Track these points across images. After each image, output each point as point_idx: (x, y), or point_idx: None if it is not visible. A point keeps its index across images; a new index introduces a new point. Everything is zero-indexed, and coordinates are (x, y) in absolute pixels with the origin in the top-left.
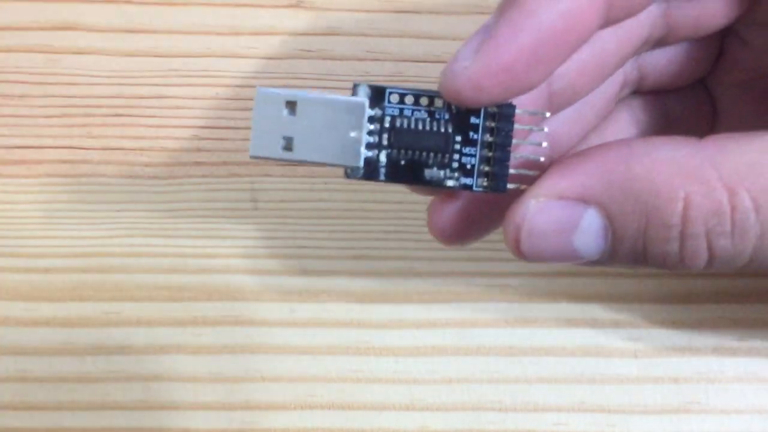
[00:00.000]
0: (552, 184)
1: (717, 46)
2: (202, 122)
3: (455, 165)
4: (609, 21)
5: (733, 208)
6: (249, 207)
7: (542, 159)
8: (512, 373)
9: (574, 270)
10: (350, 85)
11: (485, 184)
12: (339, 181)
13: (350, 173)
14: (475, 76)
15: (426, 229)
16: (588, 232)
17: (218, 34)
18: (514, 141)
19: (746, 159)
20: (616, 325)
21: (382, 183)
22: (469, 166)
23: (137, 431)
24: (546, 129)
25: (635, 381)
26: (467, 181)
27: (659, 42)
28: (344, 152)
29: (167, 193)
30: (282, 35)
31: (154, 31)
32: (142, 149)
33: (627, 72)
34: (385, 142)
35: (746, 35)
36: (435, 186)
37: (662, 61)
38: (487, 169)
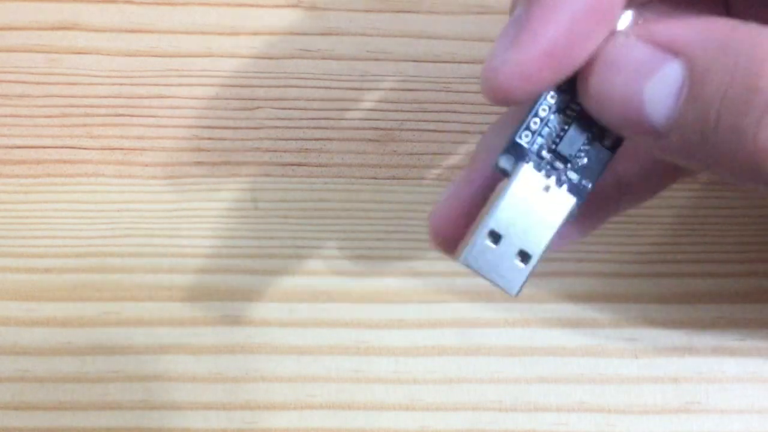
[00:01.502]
0: (648, 24)
1: None
2: (202, 122)
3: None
4: None
5: None
6: (249, 207)
7: None
8: (512, 373)
9: (574, 270)
10: (351, 85)
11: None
12: (339, 180)
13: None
14: (519, 65)
15: (426, 230)
16: (663, 83)
17: (218, 34)
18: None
19: None
20: (616, 325)
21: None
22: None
23: (137, 431)
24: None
25: (635, 381)
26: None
27: None
28: (555, 209)
29: (167, 193)
30: (282, 35)
31: (154, 31)
32: (142, 149)
33: None
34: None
35: None
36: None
37: None
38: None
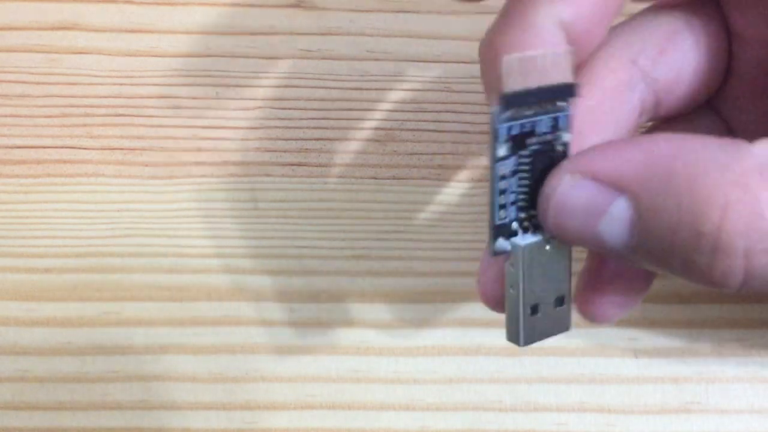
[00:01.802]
0: (589, 162)
1: (725, 59)
2: (202, 122)
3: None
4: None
5: None
6: (249, 207)
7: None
8: (512, 373)
9: (574, 270)
10: (351, 85)
11: None
12: (339, 180)
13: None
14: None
15: (426, 229)
16: (615, 220)
17: (218, 34)
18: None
19: None
20: (616, 325)
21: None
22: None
23: (137, 431)
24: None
25: (635, 381)
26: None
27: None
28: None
29: (167, 193)
30: (282, 35)
31: (154, 31)
32: (142, 149)
33: (643, 98)
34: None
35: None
36: None
37: (672, 80)
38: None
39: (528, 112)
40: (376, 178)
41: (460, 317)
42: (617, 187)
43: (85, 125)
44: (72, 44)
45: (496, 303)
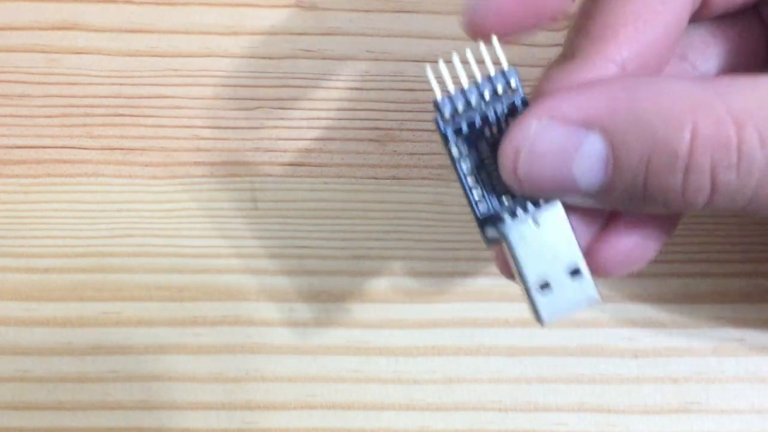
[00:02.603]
0: (555, 105)
1: None
2: (202, 122)
3: None
4: None
5: (741, 141)
6: (249, 207)
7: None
8: (512, 373)
9: None
10: (351, 85)
11: None
12: (339, 180)
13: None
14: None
15: (426, 229)
16: (588, 157)
17: (218, 34)
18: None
19: (757, 95)
20: (616, 325)
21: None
22: None
23: (137, 431)
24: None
25: (635, 381)
26: None
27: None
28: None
29: (167, 193)
30: (282, 35)
31: (154, 31)
32: (142, 149)
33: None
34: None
35: None
36: None
37: None
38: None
39: (473, 111)
40: (376, 178)
41: (460, 317)
42: (587, 124)
43: (85, 125)
44: (72, 44)
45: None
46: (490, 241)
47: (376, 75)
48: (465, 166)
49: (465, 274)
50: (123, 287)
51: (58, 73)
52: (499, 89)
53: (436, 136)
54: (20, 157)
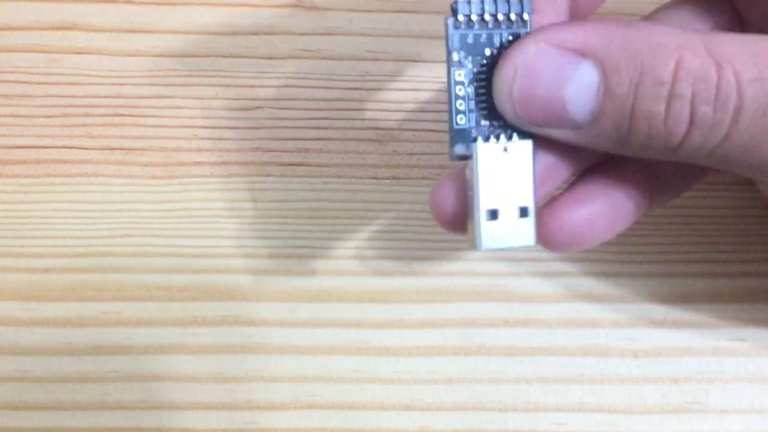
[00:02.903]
0: (554, 33)
1: None
2: (202, 122)
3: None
4: None
5: (719, 78)
6: (249, 207)
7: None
8: (512, 373)
9: (574, 270)
10: (351, 85)
11: None
12: (339, 180)
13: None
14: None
15: (426, 230)
16: (581, 83)
17: (218, 34)
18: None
19: (735, 42)
20: (616, 325)
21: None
22: None
23: (137, 431)
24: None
25: (635, 381)
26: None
27: None
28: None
29: (167, 193)
30: (282, 35)
31: (154, 31)
32: (142, 149)
33: None
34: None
35: None
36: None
37: None
38: None
39: (483, 26)
40: (376, 178)
41: (460, 317)
42: (582, 53)
43: (85, 125)
44: (72, 44)
45: (446, 220)
46: (456, 157)
47: (376, 75)
48: (458, 74)
49: (465, 274)
50: (123, 287)
51: (58, 73)
52: (512, 16)
53: (437, 136)
54: (20, 157)
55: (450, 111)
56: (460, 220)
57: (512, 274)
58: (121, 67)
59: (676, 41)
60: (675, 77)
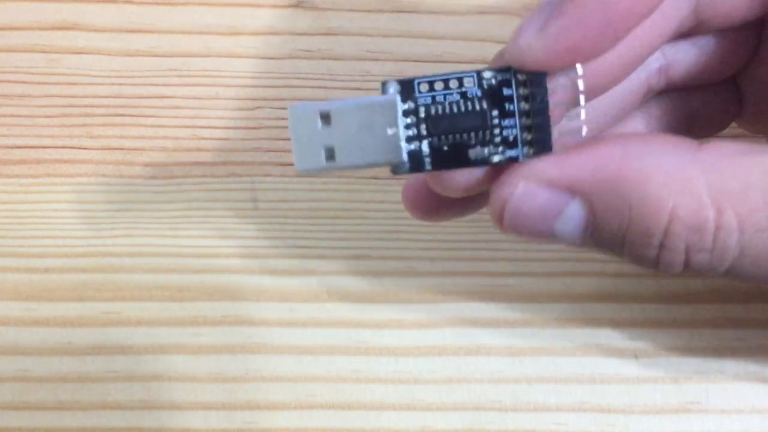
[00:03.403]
0: (542, 168)
1: (754, 38)
2: (202, 122)
3: (498, 139)
4: None
5: (718, 227)
6: (249, 207)
7: (583, 132)
8: (512, 373)
9: (574, 270)
10: (351, 85)
11: (531, 152)
12: (339, 180)
13: (396, 169)
14: (541, 55)
15: (426, 229)
16: (570, 220)
17: (218, 34)
18: (551, 103)
19: (739, 177)
20: (616, 325)
21: (430, 172)
22: (511, 138)
23: (137, 431)
24: (583, 102)
25: (635, 381)
26: (512, 152)
27: (690, 31)
28: (386, 150)
29: (167, 193)
30: (282, 35)
31: (154, 31)
32: (142, 149)
33: (654, 67)
34: (424, 132)
35: None
36: (481, 164)
37: (692, 55)
38: (529, 137)
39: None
40: (376, 178)
41: (459, 317)
42: (571, 190)
43: (85, 125)
44: (72, 44)
45: (419, 211)
46: (383, 87)
47: (377, 75)
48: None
49: (465, 273)
50: (123, 287)
51: (58, 73)
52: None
53: None
54: (20, 157)
55: (436, 76)
56: (432, 209)
57: (512, 274)
58: (121, 66)
59: (673, 186)
60: (667, 232)
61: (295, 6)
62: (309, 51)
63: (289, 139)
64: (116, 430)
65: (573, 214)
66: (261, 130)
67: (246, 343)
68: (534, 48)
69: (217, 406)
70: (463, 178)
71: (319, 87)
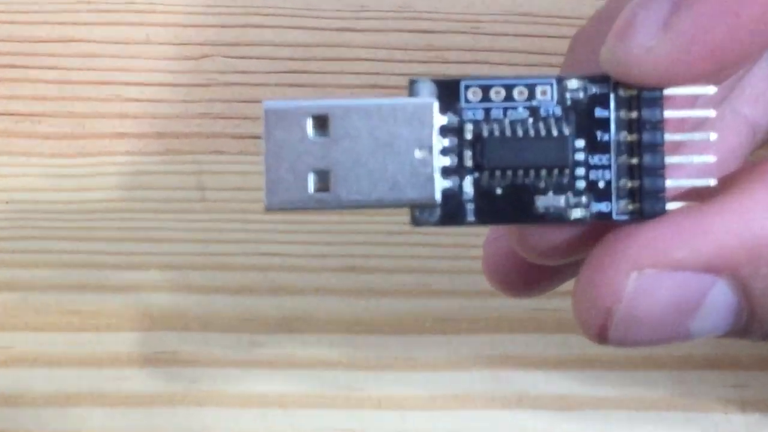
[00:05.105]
0: (664, 243)
1: None
2: (126, 77)
3: (581, 184)
4: None
5: None
6: (193, 197)
7: (712, 183)
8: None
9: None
10: (339, 24)
11: (631, 207)
12: None
13: (420, 216)
14: (668, 62)
15: (437, 230)
16: (714, 310)
17: None
18: (667, 137)
19: None
20: (713, 365)
21: (473, 226)
22: (602, 184)
23: None
24: (713, 136)
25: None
26: (603, 207)
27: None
28: (409, 184)
29: (76, 177)
30: None
31: None
32: (40, 115)
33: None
34: (469, 163)
35: None
36: (553, 221)
37: None
38: (630, 184)
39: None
40: None
41: (488, 354)
42: (712, 269)
43: None
44: None
45: (505, 283)
46: (410, 83)
47: (374, 10)
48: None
49: (493, 292)
50: (15, 311)
51: None
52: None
53: None
54: None
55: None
56: (530, 281)
57: (559, 294)
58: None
59: None
60: None
61: None
62: None
63: (249, 101)
64: None
65: (718, 303)
66: (210, 88)
67: (189, 392)
68: (656, 53)
69: None
70: (558, 237)
71: (292, 27)
